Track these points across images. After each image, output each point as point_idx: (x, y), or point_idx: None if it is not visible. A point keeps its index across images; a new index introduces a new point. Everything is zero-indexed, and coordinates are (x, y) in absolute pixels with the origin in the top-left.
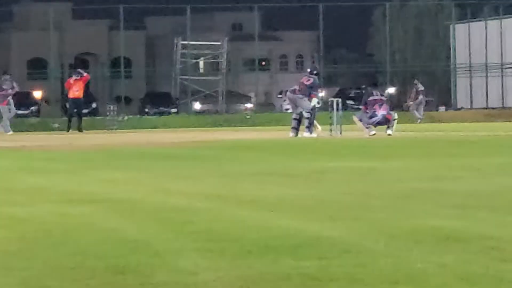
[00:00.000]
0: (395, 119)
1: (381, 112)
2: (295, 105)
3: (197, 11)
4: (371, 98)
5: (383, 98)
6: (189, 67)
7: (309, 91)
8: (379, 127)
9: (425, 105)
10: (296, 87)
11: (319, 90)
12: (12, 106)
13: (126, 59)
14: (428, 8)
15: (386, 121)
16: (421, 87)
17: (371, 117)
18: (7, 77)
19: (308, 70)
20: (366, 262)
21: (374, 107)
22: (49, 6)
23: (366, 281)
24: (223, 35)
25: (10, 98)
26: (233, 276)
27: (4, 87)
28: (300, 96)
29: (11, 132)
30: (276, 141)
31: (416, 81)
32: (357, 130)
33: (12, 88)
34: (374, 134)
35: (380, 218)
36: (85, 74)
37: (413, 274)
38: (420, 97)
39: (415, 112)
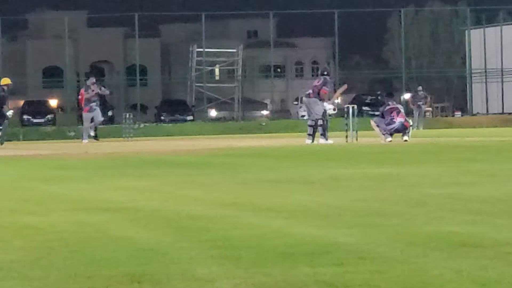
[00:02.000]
0: (411, 126)
1: (399, 119)
2: (309, 110)
3: (212, 18)
4: (387, 107)
5: (399, 106)
6: (204, 75)
7: (320, 87)
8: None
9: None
10: (310, 91)
11: (330, 89)
12: (96, 113)
13: (141, 67)
14: (443, 13)
15: (404, 128)
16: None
17: (388, 124)
18: (93, 80)
19: (319, 72)
20: (382, 268)
21: (392, 115)
22: (64, 14)
23: None
24: (239, 42)
25: (94, 105)
26: (249, 284)
27: (88, 91)
28: (314, 99)
29: (86, 141)
30: (291, 148)
31: (420, 88)
32: (373, 136)
33: (92, 91)
34: (391, 141)
35: (396, 225)
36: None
37: (429, 281)
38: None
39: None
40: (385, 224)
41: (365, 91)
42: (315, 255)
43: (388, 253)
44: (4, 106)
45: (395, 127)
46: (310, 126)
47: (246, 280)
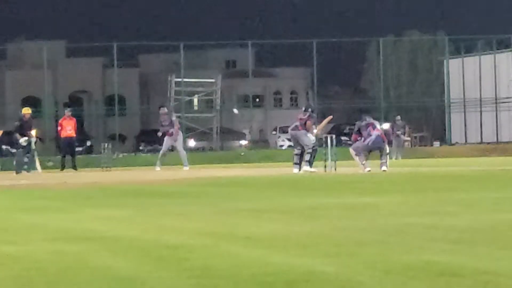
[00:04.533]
0: (388, 153)
1: (375, 133)
2: (297, 141)
3: (190, 48)
4: (364, 123)
5: (375, 122)
6: (183, 105)
7: (306, 120)
8: (372, 165)
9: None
10: (298, 123)
11: (314, 125)
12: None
13: (120, 96)
14: (421, 43)
15: (381, 142)
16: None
17: (365, 140)
18: (165, 110)
19: (303, 108)
20: None
21: (368, 129)
22: (43, 44)
23: None
24: (217, 72)
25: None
26: None
27: (163, 123)
28: (302, 131)
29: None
30: (270, 177)
31: (399, 117)
32: (352, 165)
33: (170, 123)
34: (370, 170)
35: (374, 254)
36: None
37: None
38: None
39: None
40: (364, 253)
41: (344, 121)
42: (294, 284)
43: (367, 282)
44: (17, 135)
45: (372, 139)
46: (296, 155)
47: None
